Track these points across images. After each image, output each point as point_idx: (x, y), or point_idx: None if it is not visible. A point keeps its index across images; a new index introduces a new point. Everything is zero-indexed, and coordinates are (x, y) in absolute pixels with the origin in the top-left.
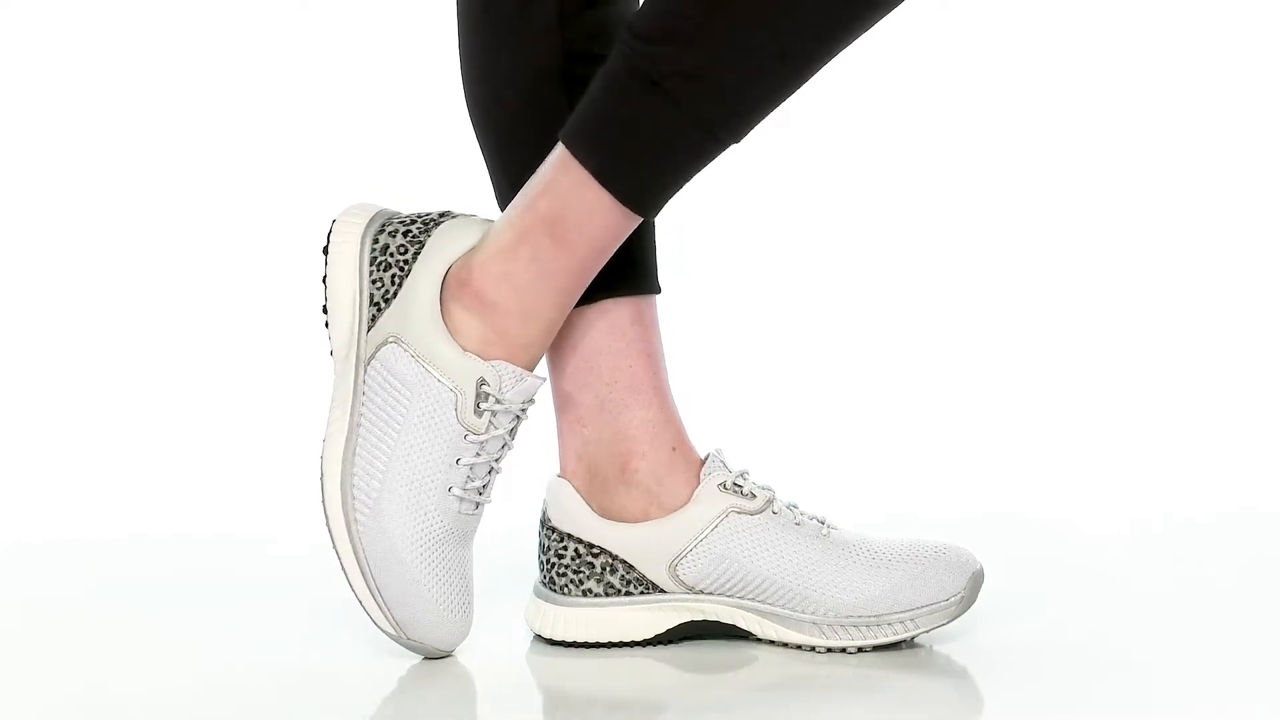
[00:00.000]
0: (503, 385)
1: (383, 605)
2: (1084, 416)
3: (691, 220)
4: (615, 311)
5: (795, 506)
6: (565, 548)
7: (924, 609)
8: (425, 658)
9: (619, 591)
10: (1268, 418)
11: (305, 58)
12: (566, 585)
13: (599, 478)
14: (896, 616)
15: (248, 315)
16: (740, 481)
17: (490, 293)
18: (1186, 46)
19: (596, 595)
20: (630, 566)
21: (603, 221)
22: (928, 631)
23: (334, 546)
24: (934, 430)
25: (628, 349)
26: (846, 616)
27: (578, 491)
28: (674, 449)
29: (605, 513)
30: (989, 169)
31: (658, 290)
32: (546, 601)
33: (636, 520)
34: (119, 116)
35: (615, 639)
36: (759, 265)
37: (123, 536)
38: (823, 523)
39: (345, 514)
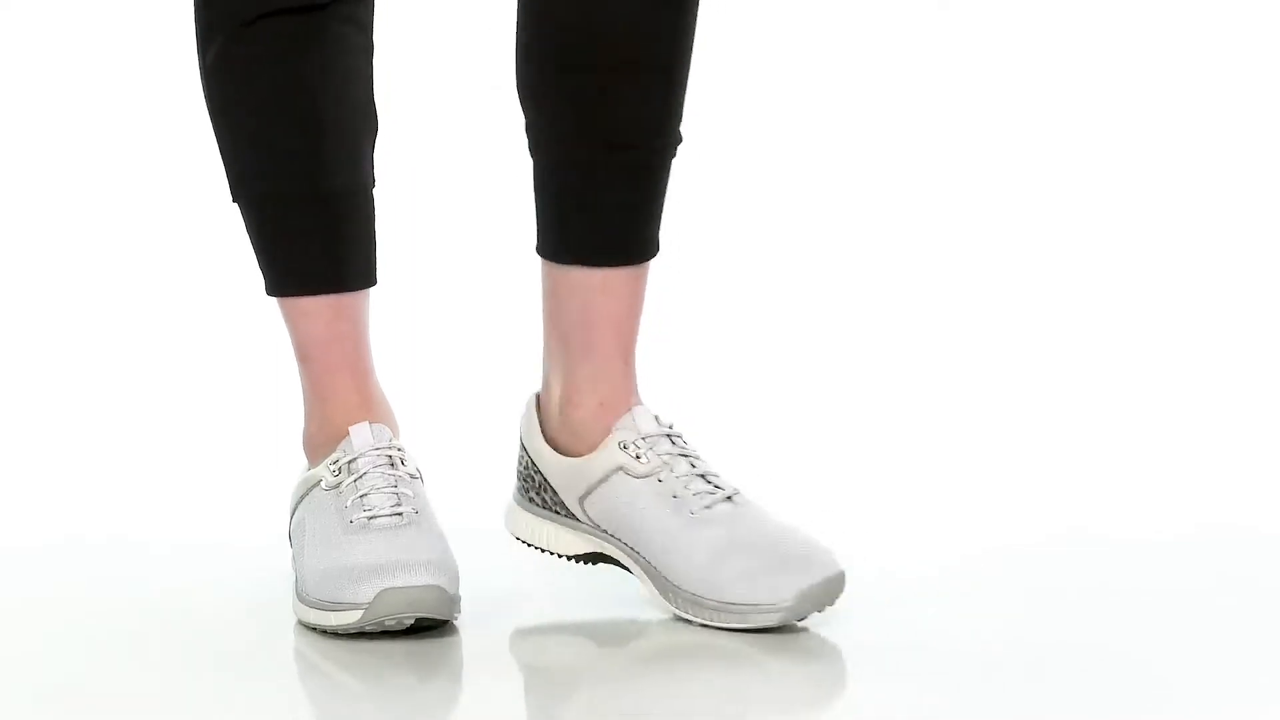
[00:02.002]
0: (339, 459)
1: (328, 602)
2: (1092, 421)
3: (699, 222)
4: (585, 280)
5: (709, 476)
6: (522, 457)
7: (751, 608)
8: (418, 619)
9: (548, 508)
10: (1272, 424)
11: None
12: (522, 488)
13: (552, 409)
14: (731, 608)
15: (234, 319)
16: (639, 444)
17: (305, 430)
18: (1186, 47)
19: (536, 505)
20: (554, 491)
21: (286, 318)
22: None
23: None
24: (939, 432)
25: (587, 313)
26: (692, 596)
27: (537, 412)
28: (601, 404)
29: (552, 440)
30: (994, 169)
31: (633, 261)
32: (513, 500)
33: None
34: (119, 117)
35: (543, 546)
36: (767, 266)
37: (101, 540)
38: (730, 498)
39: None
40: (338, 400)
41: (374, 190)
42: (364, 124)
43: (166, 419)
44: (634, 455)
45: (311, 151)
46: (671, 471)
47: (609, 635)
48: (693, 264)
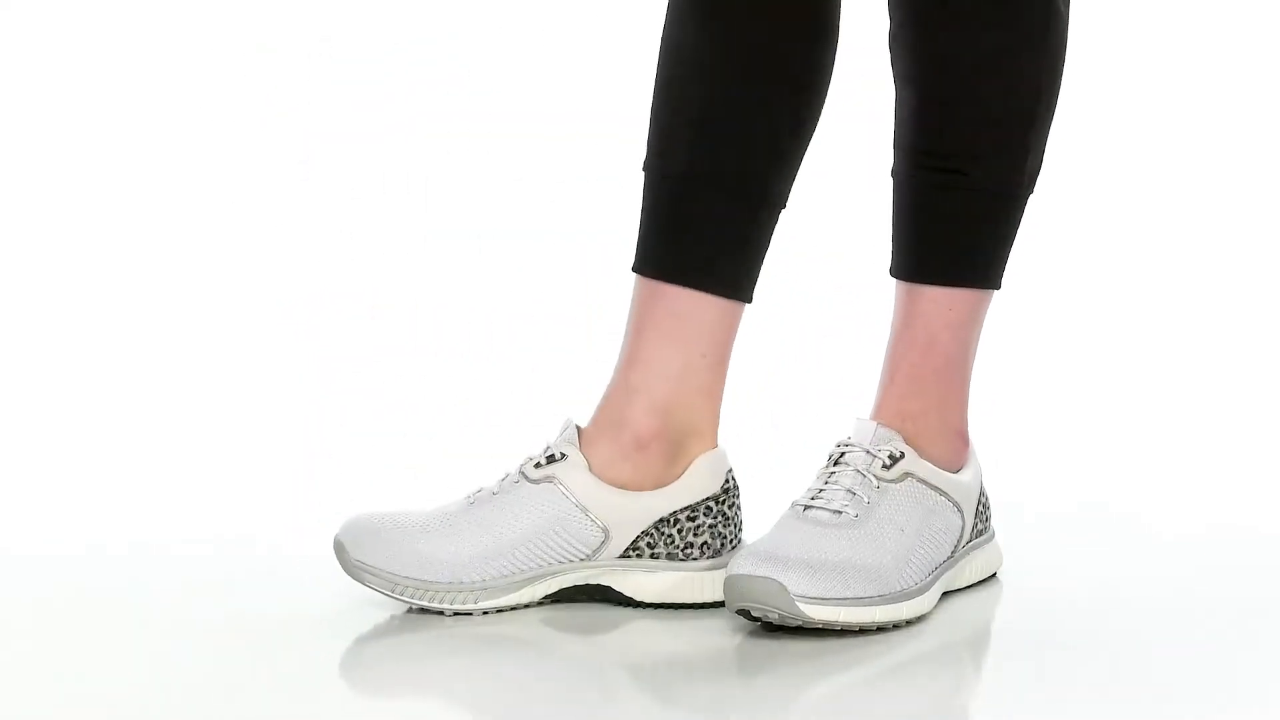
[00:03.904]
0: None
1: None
2: (1093, 421)
3: None
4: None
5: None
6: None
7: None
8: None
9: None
10: (1273, 424)
11: (303, 58)
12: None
13: None
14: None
15: (236, 322)
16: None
17: None
18: (1187, 46)
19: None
20: None
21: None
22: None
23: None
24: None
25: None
26: None
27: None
28: None
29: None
30: None
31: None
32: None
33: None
34: (119, 118)
35: None
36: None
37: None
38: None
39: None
40: (612, 384)
41: (777, 208)
42: (786, 123)
43: (166, 418)
44: None
45: (688, 134)
46: None
47: (610, 638)
48: None
